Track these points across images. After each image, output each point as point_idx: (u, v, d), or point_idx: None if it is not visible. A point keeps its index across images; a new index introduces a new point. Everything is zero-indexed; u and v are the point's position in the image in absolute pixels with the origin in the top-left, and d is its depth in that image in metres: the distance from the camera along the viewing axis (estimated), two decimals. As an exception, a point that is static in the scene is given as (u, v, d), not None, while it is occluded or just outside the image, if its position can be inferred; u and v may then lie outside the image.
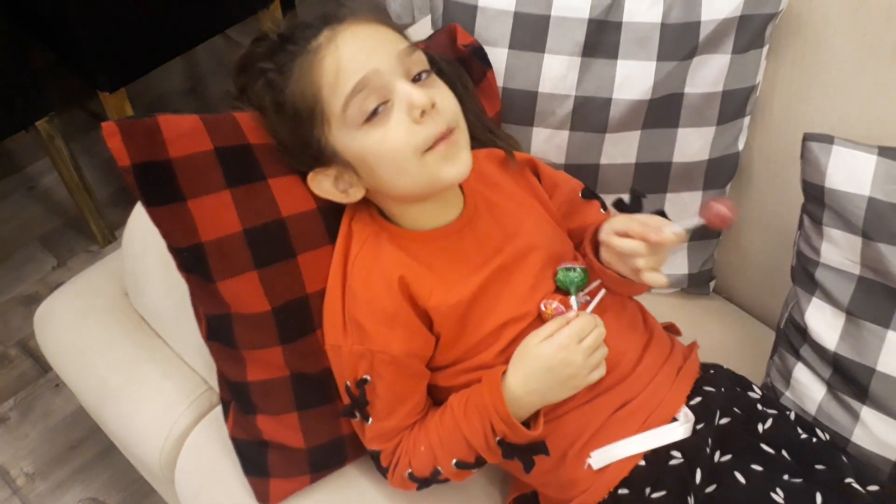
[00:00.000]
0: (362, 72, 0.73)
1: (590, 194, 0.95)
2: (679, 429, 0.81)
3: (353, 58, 0.73)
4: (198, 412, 0.99)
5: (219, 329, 0.84)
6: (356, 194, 0.81)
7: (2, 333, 1.64)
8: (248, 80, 0.80)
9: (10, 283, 1.71)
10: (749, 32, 0.97)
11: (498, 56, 1.00)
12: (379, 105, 0.74)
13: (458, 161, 0.76)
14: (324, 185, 0.81)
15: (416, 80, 0.76)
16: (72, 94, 1.96)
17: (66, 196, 1.72)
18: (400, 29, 0.80)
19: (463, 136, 0.77)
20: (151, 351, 1.03)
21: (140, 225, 1.01)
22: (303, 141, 0.78)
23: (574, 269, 0.84)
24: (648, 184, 1.06)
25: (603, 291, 0.84)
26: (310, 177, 0.81)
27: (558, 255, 0.87)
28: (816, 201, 0.89)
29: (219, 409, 0.94)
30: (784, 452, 0.83)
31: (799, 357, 0.95)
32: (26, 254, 1.76)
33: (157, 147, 0.76)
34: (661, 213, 0.84)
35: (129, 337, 1.05)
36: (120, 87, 1.57)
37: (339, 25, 0.75)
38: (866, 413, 0.88)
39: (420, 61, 0.77)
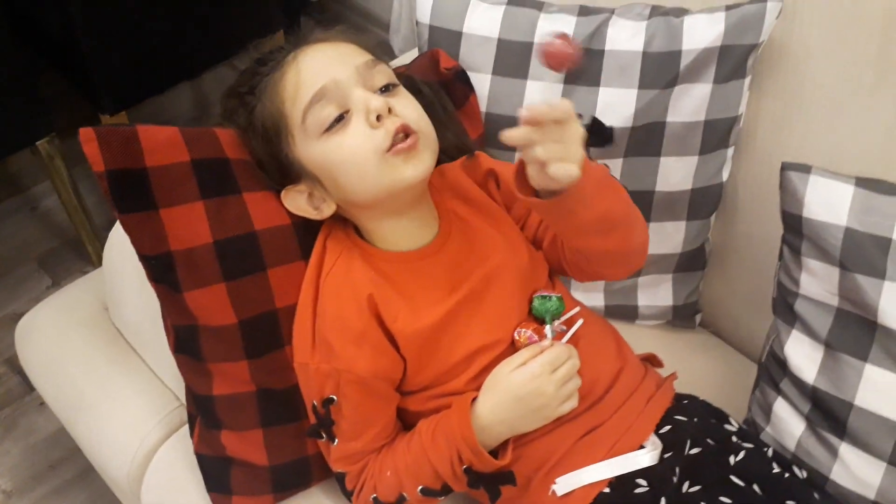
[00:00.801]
0: (320, 82, 0.75)
1: None
2: (645, 456, 0.79)
3: (312, 70, 0.76)
4: (168, 428, 0.98)
5: (186, 341, 0.83)
6: (327, 210, 0.81)
7: (-9, 350, 1.64)
8: (230, 105, 0.83)
9: (5, 301, 1.72)
10: (730, 63, 0.97)
11: (482, 82, 1.01)
12: (338, 114, 0.75)
13: (418, 163, 0.75)
14: (297, 201, 0.82)
15: (380, 92, 0.77)
16: (79, 120, 2.00)
17: (66, 218, 1.74)
18: (369, 46, 0.81)
19: (425, 141, 0.77)
20: (126, 366, 1.03)
21: (120, 240, 1.01)
22: (273, 158, 0.80)
23: (549, 298, 0.83)
24: (631, 213, 1.06)
25: (580, 322, 0.83)
26: (283, 194, 0.82)
27: (531, 276, 0.86)
28: (795, 231, 0.88)
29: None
30: (755, 487, 0.80)
31: (779, 391, 0.93)
32: (23, 273, 1.78)
33: (133, 155, 0.77)
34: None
35: (105, 351, 1.05)
36: (121, 111, 1.59)
37: (306, 46, 0.78)
38: (845, 449, 0.86)
39: (384, 74, 0.78)
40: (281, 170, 0.80)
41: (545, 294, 0.83)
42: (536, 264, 0.88)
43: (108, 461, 1.00)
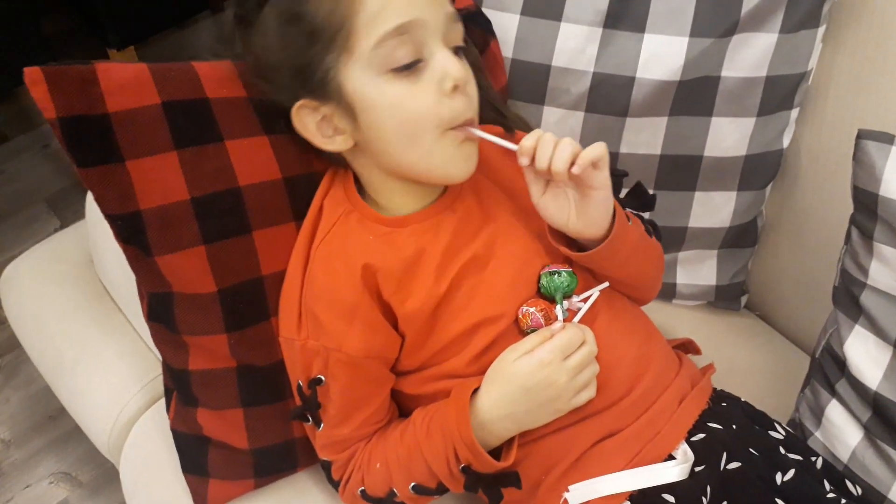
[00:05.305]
0: (409, 15, 0.66)
1: None
2: (674, 469, 0.69)
3: None
4: (150, 396, 0.92)
5: (159, 309, 0.75)
6: (342, 144, 0.71)
7: (-4, 293, 1.60)
8: None
9: (13, 242, 1.68)
10: (801, 9, 0.85)
11: (508, 23, 0.89)
12: (412, 61, 0.66)
13: (471, 161, 0.71)
14: (307, 121, 0.71)
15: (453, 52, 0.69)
16: (86, 57, 1.93)
17: (78, 157, 1.68)
18: None
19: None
20: (109, 325, 0.97)
21: (104, 188, 0.93)
22: (305, 64, 0.68)
23: (559, 273, 0.72)
24: (675, 180, 0.95)
25: (595, 296, 0.72)
26: (296, 108, 0.70)
27: (544, 250, 0.75)
28: (868, 211, 0.76)
29: (171, 397, 0.86)
30: None
31: (834, 393, 0.82)
32: (32, 214, 1.74)
33: (92, 99, 0.67)
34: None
35: (88, 307, 0.99)
36: (129, 45, 1.50)
37: None
38: (908, 468, 0.75)
39: (460, 34, 0.70)
40: (306, 79, 0.69)
41: (554, 269, 0.73)
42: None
43: (89, 427, 0.95)
